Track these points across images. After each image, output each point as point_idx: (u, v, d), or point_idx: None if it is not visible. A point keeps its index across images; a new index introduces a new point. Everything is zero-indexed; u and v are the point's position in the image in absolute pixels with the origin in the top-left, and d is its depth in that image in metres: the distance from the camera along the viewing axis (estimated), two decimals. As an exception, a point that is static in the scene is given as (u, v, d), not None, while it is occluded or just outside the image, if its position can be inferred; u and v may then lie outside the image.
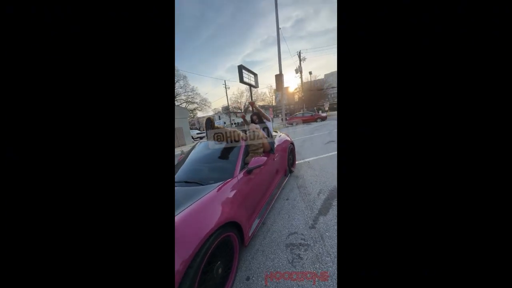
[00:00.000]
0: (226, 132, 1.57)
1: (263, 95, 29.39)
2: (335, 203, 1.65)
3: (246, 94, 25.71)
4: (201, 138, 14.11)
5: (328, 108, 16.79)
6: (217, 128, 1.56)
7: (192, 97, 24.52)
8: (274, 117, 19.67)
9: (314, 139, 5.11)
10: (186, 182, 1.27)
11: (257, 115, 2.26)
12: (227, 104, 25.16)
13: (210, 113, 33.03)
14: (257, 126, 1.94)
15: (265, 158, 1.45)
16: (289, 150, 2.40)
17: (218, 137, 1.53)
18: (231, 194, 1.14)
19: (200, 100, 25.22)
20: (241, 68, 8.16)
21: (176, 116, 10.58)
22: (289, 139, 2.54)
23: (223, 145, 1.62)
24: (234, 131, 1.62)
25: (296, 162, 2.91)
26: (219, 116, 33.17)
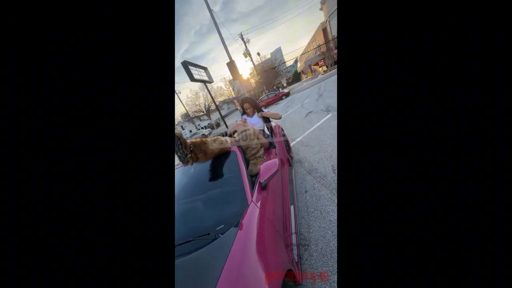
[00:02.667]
0: (205, 145, 1.04)
1: (220, 90, 27.76)
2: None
3: (202, 93, 23.63)
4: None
5: (286, 83, 17.23)
6: (192, 143, 0.99)
7: (141, 116, 20.92)
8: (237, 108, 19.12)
9: (291, 116, 5.01)
10: (182, 243, 0.73)
11: (250, 102, 1.72)
12: (185, 111, 22.66)
13: (170, 126, 29.50)
14: (244, 122, 1.51)
15: (276, 160, 1.05)
16: (283, 135, 2.10)
17: (193, 158, 0.98)
18: (260, 232, 0.74)
19: (152, 116, 21.86)
20: (186, 64, 7.00)
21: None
22: (277, 124, 2.22)
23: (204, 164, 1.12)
24: (216, 139, 1.14)
25: (291, 145, 2.67)
26: (182, 126, 30.06)
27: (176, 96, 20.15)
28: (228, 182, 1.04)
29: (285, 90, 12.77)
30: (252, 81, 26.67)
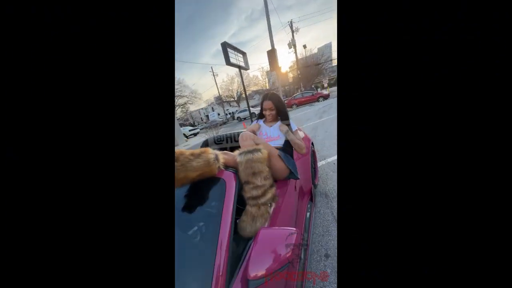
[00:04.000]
0: (188, 161, 0.60)
1: (255, 79, 27.17)
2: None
3: (237, 79, 23.62)
4: (194, 134, 12.99)
5: (328, 84, 15.31)
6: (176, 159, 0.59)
7: (180, 91, 22.58)
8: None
9: (326, 124, 4.14)
10: None
11: (275, 100, 1.03)
12: (218, 94, 23.26)
13: (202, 105, 31.18)
14: (257, 129, 0.99)
15: (292, 230, 0.50)
16: (311, 154, 1.49)
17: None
18: None
19: (189, 93, 23.33)
20: (225, 46, 6.64)
21: (161, 115, 9.38)
22: (307, 136, 1.61)
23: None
24: (201, 153, 0.65)
25: (318, 165, 2.01)
26: (212, 108, 31.38)
27: (212, 77, 20.71)
28: (191, 241, 0.58)
29: (325, 92, 11.26)
30: (291, 75, 24.97)
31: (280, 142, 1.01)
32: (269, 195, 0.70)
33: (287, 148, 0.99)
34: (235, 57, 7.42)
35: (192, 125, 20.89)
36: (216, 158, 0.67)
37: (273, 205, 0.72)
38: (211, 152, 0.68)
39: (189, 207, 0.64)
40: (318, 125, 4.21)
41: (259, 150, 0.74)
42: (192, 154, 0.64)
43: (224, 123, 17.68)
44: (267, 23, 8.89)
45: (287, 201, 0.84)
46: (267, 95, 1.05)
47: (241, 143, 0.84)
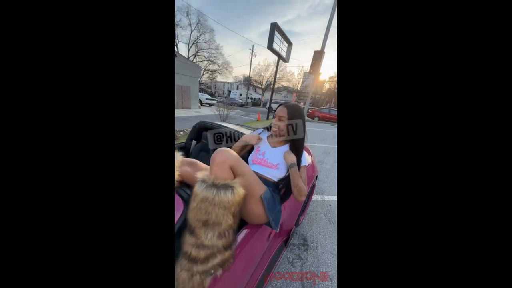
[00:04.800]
0: None
1: (290, 75, 25.78)
2: None
3: (272, 68, 22.46)
4: (210, 105, 12.74)
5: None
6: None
7: (215, 57, 21.97)
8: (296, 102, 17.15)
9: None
10: None
11: (295, 112, 0.71)
12: (249, 75, 22.43)
13: (230, 79, 30.50)
14: (240, 160, 0.56)
15: None
16: (309, 192, 1.19)
17: None
18: None
19: (222, 63, 22.68)
20: (274, 28, 6.00)
21: (185, 73, 9.15)
22: (312, 163, 1.29)
23: None
24: None
25: (312, 199, 1.72)
26: (237, 86, 30.68)
27: (250, 56, 19.80)
28: None
29: (353, 117, 10.41)
30: (327, 86, 23.37)
31: (277, 174, 0.70)
32: (216, 261, 0.43)
33: (280, 187, 0.69)
34: (279, 44, 6.80)
35: (212, 94, 20.60)
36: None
37: (219, 271, 0.46)
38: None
39: None
40: (331, 150, 3.79)
41: (231, 188, 0.46)
42: None
43: (242, 105, 17.24)
44: (328, 22, 7.95)
45: (252, 249, 0.58)
46: (288, 104, 0.73)
47: (213, 161, 0.51)
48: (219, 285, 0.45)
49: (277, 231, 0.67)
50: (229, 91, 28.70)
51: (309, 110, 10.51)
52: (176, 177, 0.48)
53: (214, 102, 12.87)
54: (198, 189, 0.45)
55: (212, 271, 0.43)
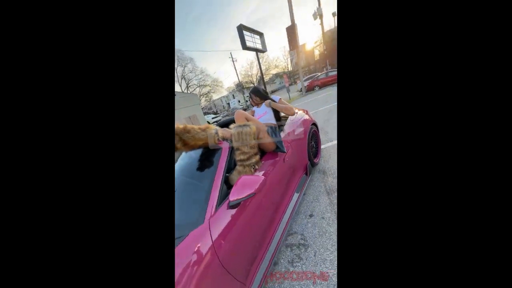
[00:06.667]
0: (187, 134, 0.86)
1: (276, 60, 25.60)
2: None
3: (256, 63, 22.80)
4: (217, 122, 13.79)
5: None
6: (184, 129, 0.87)
7: (203, 80, 23.65)
8: (290, 84, 16.97)
9: (345, 105, 3.87)
10: None
11: (254, 93, 1.38)
12: (238, 80, 23.27)
13: (224, 93, 31.95)
14: (245, 112, 1.16)
15: (261, 177, 0.74)
16: (310, 135, 1.59)
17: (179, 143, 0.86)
18: (196, 262, 0.56)
19: (211, 81, 24.20)
20: (241, 29, 6.48)
21: (187, 104, 10.31)
22: (309, 118, 1.69)
23: (196, 154, 0.95)
24: (205, 128, 0.91)
25: (322, 147, 2.08)
26: (233, 95, 31.82)
27: (232, 64, 20.64)
28: (196, 185, 0.87)
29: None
30: (317, 52, 22.34)
31: (268, 116, 1.27)
32: (253, 160, 0.91)
33: (276, 125, 1.20)
34: (251, 40, 7.20)
35: (215, 113, 21.96)
36: (216, 132, 0.92)
37: (257, 167, 0.94)
38: (213, 128, 0.94)
39: (200, 163, 0.94)
40: (335, 109, 3.97)
41: (248, 125, 0.95)
42: (199, 128, 0.91)
43: (245, 109, 17.99)
44: None
45: (275, 169, 1.05)
46: (250, 91, 1.41)
47: (236, 119, 1.07)
48: (266, 176, 0.92)
49: (285, 152, 1.12)
50: (228, 103, 30.07)
51: (306, 84, 10.42)
52: (220, 137, 0.98)
53: (220, 118, 13.97)
54: (233, 130, 0.95)
55: (253, 166, 0.91)
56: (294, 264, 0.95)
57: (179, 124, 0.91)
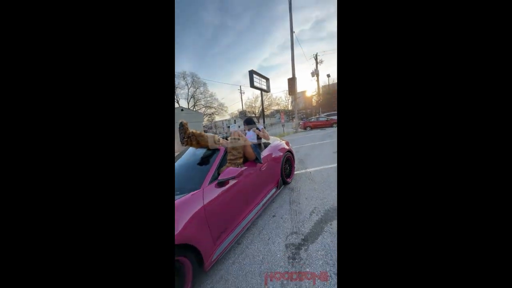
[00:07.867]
0: (201, 137, 1.47)
1: (278, 99, 29.13)
2: (327, 228, 1.38)
3: (260, 99, 25.75)
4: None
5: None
6: (192, 132, 1.45)
7: (210, 102, 25.89)
8: (287, 121, 19.05)
9: (324, 146, 4.69)
10: None
11: (246, 123, 2.12)
12: (242, 109, 25.69)
13: (226, 117, 34.17)
14: (240, 132, 1.79)
15: (241, 169, 1.30)
16: (284, 159, 2.18)
17: (188, 142, 1.43)
18: (192, 210, 1.02)
19: (217, 105, 26.47)
20: (252, 73, 8.18)
21: (191, 120, 11.15)
22: (285, 147, 2.33)
23: (204, 151, 1.54)
24: (213, 137, 1.52)
25: (296, 172, 2.65)
26: (235, 120, 34.00)
27: (240, 94, 23.31)
28: (202, 169, 1.38)
29: (341, 119, 11.60)
30: (314, 100, 25.99)
31: (253, 137, 1.96)
32: (238, 161, 1.49)
33: (258, 144, 1.87)
34: (259, 82, 8.83)
35: (214, 133, 22.99)
36: (219, 139, 1.52)
37: (240, 166, 1.48)
38: (217, 137, 1.56)
39: (205, 156, 1.48)
40: (317, 146, 4.78)
41: (239, 139, 1.57)
42: (211, 136, 1.52)
43: (242, 135, 19.19)
44: (291, 54, 10.39)
45: (253, 173, 1.59)
46: (244, 120, 2.15)
47: (232, 134, 1.70)
48: (244, 176, 1.45)
49: (261, 162, 1.68)
50: (228, 126, 31.79)
51: (300, 123, 11.92)
52: (220, 143, 1.56)
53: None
54: (229, 139, 1.56)
55: (238, 165, 1.46)
56: (252, 241, 1.34)
57: (196, 130, 1.50)
